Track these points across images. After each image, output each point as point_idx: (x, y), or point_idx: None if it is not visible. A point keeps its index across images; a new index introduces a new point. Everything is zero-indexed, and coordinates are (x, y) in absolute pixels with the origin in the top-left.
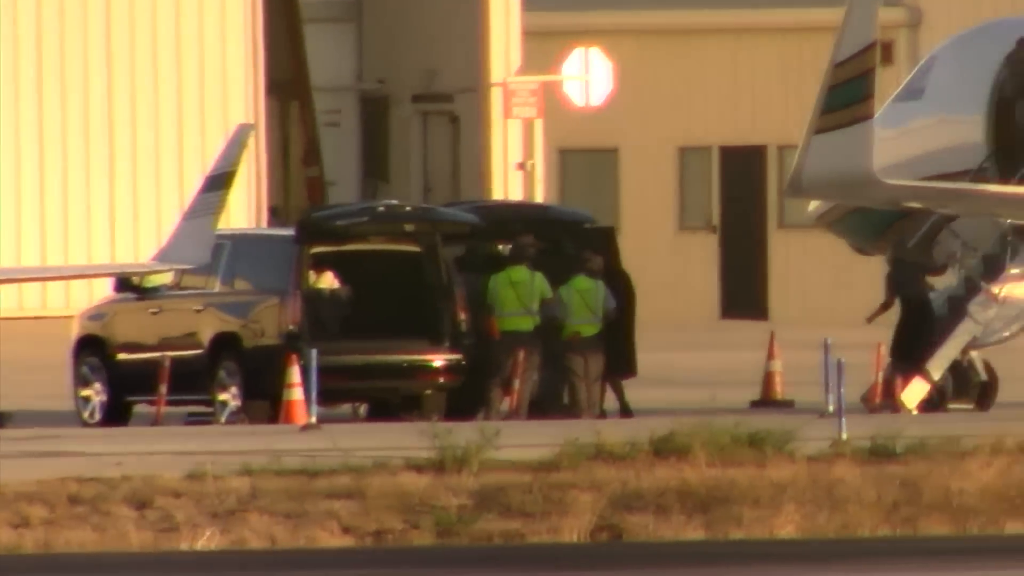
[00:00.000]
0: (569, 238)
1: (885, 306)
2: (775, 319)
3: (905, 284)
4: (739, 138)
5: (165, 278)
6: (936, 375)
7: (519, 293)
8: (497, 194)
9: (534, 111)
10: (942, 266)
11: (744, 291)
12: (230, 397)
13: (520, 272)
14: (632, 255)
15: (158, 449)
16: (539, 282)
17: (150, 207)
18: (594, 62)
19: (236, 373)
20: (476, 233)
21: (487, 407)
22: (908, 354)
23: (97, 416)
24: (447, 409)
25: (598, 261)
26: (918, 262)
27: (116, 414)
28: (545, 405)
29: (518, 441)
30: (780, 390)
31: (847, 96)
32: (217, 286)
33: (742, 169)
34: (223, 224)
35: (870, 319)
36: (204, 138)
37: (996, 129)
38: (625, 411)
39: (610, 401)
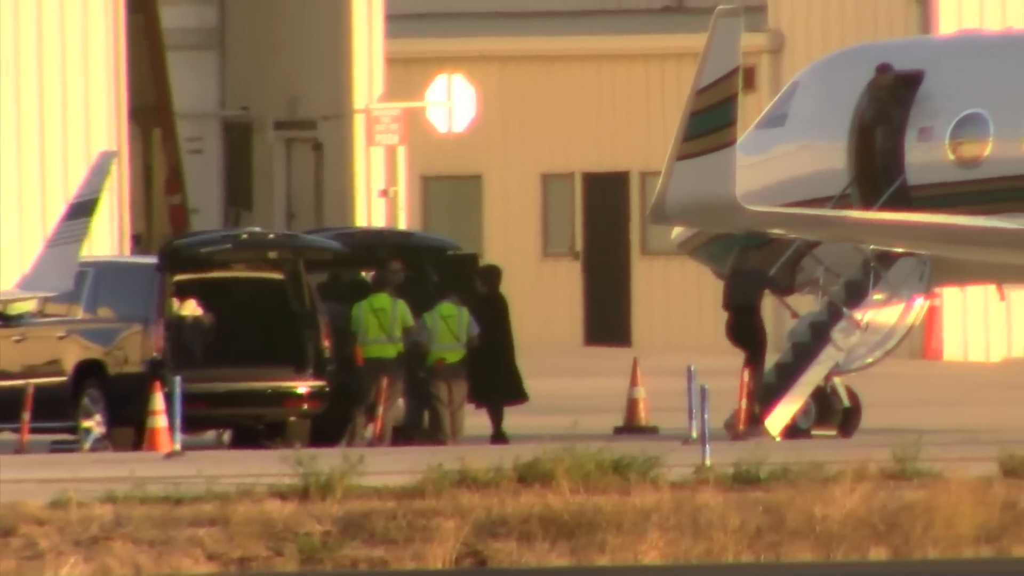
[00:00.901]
0: (433, 265)
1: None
2: (638, 345)
3: (737, 294)
4: (602, 165)
5: (29, 306)
6: (799, 401)
7: (381, 321)
8: (360, 221)
9: (397, 138)
10: (788, 288)
11: (608, 317)
12: (94, 424)
13: (382, 300)
14: None
15: (22, 476)
16: (401, 309)
17: (13, 234)
18: (457, 89)
19: (100, 400)
20: (339, 260)
21: (351, 434)
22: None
23: None
24: (311, 436)
25: (484, 287)
26: (756, 273)
27: None
28: (410, 432)
29: (382, 468)
30: (644, 416)
31: (710, 122)
32: (81, 313)
33: (605, 196)
34: (86, 252)
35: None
36: (67, 165)
37: (858, 155)
38: (499, 438)
39: (484, 427)
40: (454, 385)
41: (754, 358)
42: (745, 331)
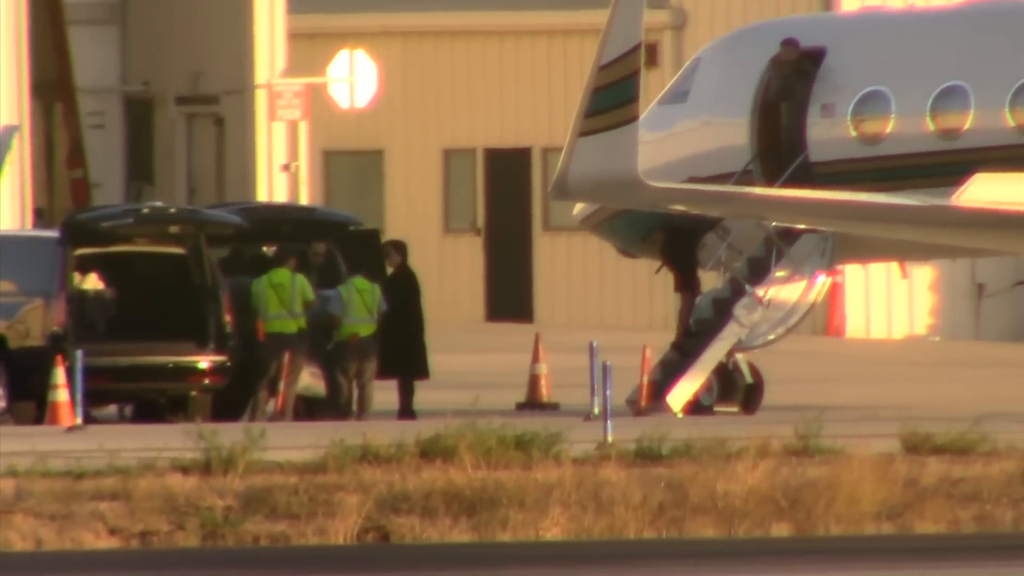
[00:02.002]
0: (334, 240)
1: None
2: (541, 322)
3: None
4: (504, 140)
5: None
6: (701, 377)
7: (281, 296)
8: (262, 196)
9: (299, 113)
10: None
11: (510, 294)
12: None
13: (282, 275)
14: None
15: None
16: (301, 284)
17: None
18: (359, 64)
19: (1, 374)
20: (241, 235)
21: (253, 409)
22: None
23: None
24: (213, 410)
25: (393, 262)
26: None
27: None
28: (327, 406)
29: (284, 443)
30: (546, 393)
31: (612, 98)
32: None
33: (507, 171)
34: None
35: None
36: None
37: (760, 132)
38: (407, 413)
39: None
40: (366, 359)
41: (686, 282)
42: (680, 252)
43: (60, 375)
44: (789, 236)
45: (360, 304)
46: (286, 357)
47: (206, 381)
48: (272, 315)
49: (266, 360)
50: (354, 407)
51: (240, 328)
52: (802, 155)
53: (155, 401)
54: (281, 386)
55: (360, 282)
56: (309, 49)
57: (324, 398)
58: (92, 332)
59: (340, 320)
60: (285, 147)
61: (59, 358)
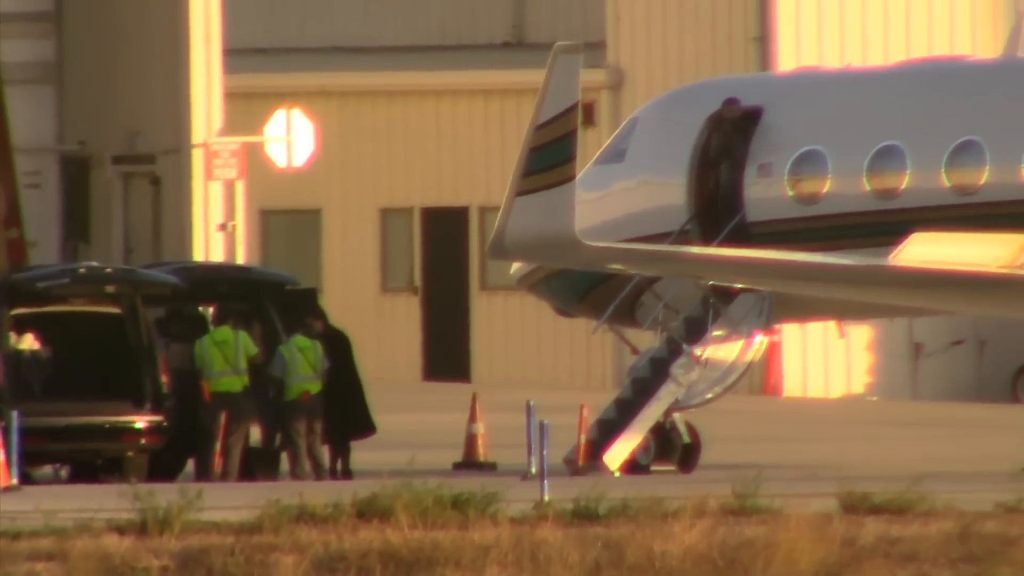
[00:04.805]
0: (271, 300)
1: None
2: (478, 381)
3: None
4: (441, 200)
5: None
6: (638, 437)
7: (225, 353)
8: (198, 255)
9: (235, 172)
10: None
11: (447, 353)
12: None
13: (224, 332)
14: (335, 316)
15: None
16: (244, 340)
17: None
18: (296, 123)
19: None
20: (177, 295)
21: (206, 467)
22: None
23: None
24: (149, 470)
25: (318, 325)
26: None
27: None
28: (267, 456)
29: (221, 503)
30: (483, 452)
31: (549, 158)
32: None
33: (444, 231)
34: None
35: None
36: None
37: (698, 191)
38: (346, 474)
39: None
40: (315, 417)
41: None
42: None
43: None
44: (726, 295)
45: (304, 362)
46: (223, 417)
47: (142, 441)
48: (217, 373)
49: (211, 420)
50: (308, 468)
51: (184, 388)
52: (739, 215)
53: (91, 461)
54: (218, 446)
55: (301, 340)
56: (246, 108)
57: (261, 451)
58: (28, 392)
59: (283, 381)
60: (222, 206)
61: None
